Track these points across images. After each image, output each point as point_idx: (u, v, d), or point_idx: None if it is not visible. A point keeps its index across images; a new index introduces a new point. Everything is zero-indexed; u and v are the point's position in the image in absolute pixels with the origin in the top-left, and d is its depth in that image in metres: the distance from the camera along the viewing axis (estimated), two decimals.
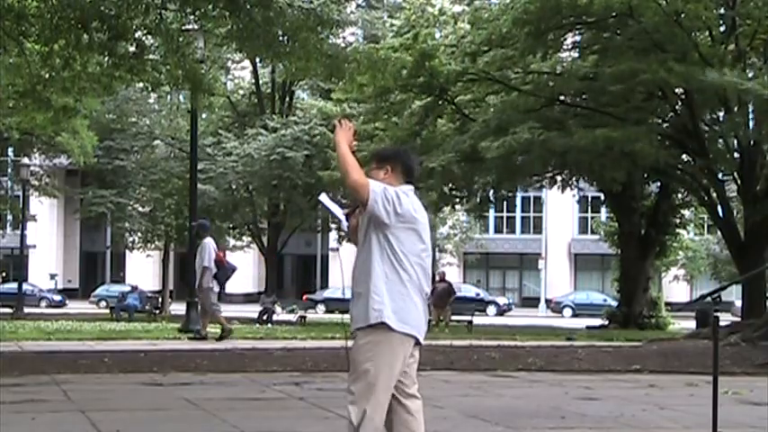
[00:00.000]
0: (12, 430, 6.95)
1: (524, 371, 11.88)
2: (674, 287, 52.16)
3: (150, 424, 7.48)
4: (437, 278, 29.13)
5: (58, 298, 50.58)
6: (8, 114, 21.13)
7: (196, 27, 16.63)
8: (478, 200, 31.99)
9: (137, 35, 14.21)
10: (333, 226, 38.68)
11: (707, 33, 23.37)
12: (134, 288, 35.77)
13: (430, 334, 18.51)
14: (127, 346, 15.45)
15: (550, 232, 57.93)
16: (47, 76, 15.35)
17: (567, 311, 51.36)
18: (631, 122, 23.17)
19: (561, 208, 56.32)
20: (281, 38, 13.96)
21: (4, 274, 51.94)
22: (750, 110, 23.14)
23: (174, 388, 9.68)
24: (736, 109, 22.71)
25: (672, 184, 29.93)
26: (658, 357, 13.72)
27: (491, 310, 49.33)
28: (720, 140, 24.21)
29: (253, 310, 33.51)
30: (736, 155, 23.95)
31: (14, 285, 37.49)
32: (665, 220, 32.35)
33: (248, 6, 13.17)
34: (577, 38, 26.47)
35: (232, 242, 42.15)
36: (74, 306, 45.26)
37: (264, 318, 29.76)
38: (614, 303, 37.27)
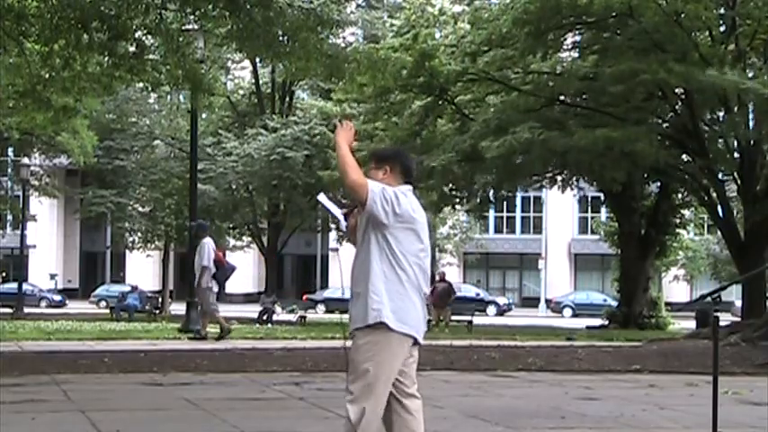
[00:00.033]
0: (12, 430, 6.95)
1: (524, 371, 11.88)
2: (674, 287, 52.16)
3: (150, 424, 7.48)
4: (437, 278, 29.14)
5: (58, 298, 50.57)
6: (8, 114, 21.12)
7: (196, 27, 16.64)
8: (478, 200, 31.99)
9: (137, 35, 14.21)
10: (333, 226, 38.66)
11: (707, 33, 23.37)
12: (134, 288, 35.77)
13: (430, 334, 18.48)
14: (127, 346, 15.45)
15: (550, 232, 57.93)
16: (47, 76, 15.35)
17: (567, 311, 51.35)
18: (631, 122, 23.17)
19: (561, 208, 56.34)
20: (281, 38, 13.96)
21: (4, 274, 51.94)
22: (750, 110, 23.15)
23: (174, 388, 9.68)
24: (736, 109, 22.72)
25: (672, 184, 29.93)
26: (658, 357, 13.71)
27: (491, 310, 49.33)
28: (720, 140, 24.21)
29: (253, 310, 33.50)
30: (736, 155, 23.96)
31: (14, 285, 37.49)
32: (665, 220, 32.34)
33: (248, 6, 13.17)
34: (577, 38, 26.47)
35: (232, 242, 42.16)
36: (74, 306, 45.26)
37: (264, 318, 29.76)
38: (614, 303, 37.27)
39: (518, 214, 60.99)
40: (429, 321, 26.34)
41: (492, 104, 26.62)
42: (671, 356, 13.75)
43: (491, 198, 32.47)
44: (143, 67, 14.74)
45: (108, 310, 35.00)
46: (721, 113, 24.43)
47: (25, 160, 36.72)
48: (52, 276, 55.64)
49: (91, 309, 41.80)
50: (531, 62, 24.77)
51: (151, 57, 14.90)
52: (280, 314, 32.96)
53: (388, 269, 4.69)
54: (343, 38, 26.43)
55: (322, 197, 5.11)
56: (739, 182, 24.17)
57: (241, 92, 43.48)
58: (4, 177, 44.70)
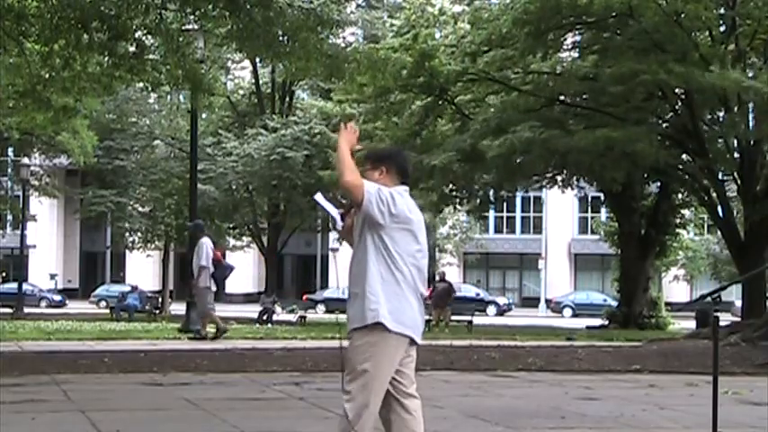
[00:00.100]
0: (12, 430, 6.95)
1: (524, 371, 11.87)
2: (674, 287, 52.15)
3: (150, 424, 7.48)
4: (437, 278, 29.15)
5: (58, 298, 50.57)
6: (8, 114, 21.13)
7: (196, 27, 16.64)
8: (478, 201, 32.01)
9: (137, 35, 14.21)
10: (331, 225, 38.65)
11: (707, 33, 23.38)
12: (134, 288, 35.79)
13: (430, 334, 18.42)
14: (127, 346, 15.45)
15: (550, 232, 57.92)
16: (47, 76, 15.35)
17: (567, 311, 51.34)
18: (631, 122, 23.17)
19: (561, 208, 56.34)
20: (281, 38, 13.96)
21: (4, 274, 51.94)
22: (750, 109, 23.16)
23: (174, 388, 9.67)
24: (736, 109, 22.72)
25: (672, 184, 29.93)
26: (658, 357, 13.71)
27: (491, 310, 49.33)
28: (720, 140, 24.22)
29: (253, 310, 33.51)
30: (736, 155, 23.97)
31: (14, 285, 37.49)
32: (665, 220, 32.34)
33: (248, 6, 13.17)
34: (577, 38, 26.47)
35: (232, 242, 42.17)
36: (74, 306, 45.25)
37: (264, 318, 29.77)
38: (614, 303, 37.27)
39: (518, 214, 60.98)
40: (429, 321, 26.51)
41: (492, 104, 26.63)
42: (671, 356, 13.75)
43: (491, 198, 32.48)
44: (143, 67, 14.75)
45: (108, 310, 35.02)
46: (721, 113, 24.44)
47: (25, 160, 36.74)
48: (52, 276, 55.64)
49: (91, 309, 41.80)
50: (531, 62, 24.78)
51: (151, 57, 14.91)
52: (280, 314, 32.97)
53: (385, 270, 4.70)
54: (343, 38, 26.44)
55: (319, 197, 5.12)
56: (739, 182, 24.18)
57: (241, 92, 43.48)
58: (4, 177, 44.72)
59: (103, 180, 39.81)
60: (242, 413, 7.94)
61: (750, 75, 22.41)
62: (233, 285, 52.27)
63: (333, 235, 45.26)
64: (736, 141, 23.85)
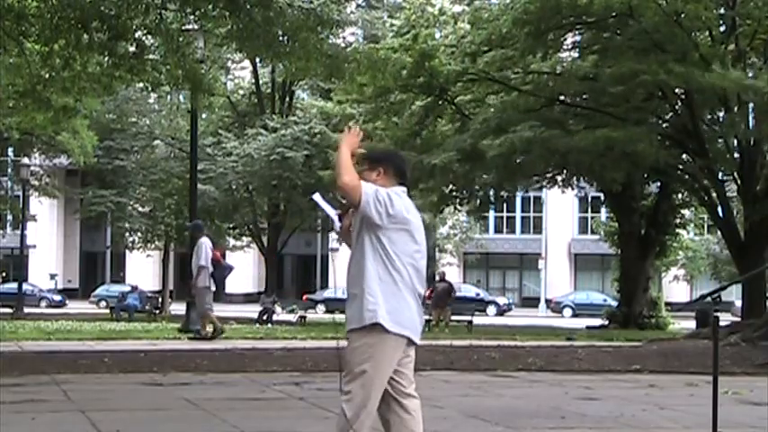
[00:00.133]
0: (12, 430, 6.95)
1: (524, 371, 11.87)
2: (674, 287, 52.14)
3: (150, 424, 7.48)
4: (437, 278, 29.14)
5: (58, 298, 50.56)
6: (8, 114, 21.13)
7: (196, 27, 16.64)
8: (478, 201, 32.02)
9: (137, 35, 14.21)
10: (330, 226, 38.66)
11: (707, 33, 23.38)
12: (134, 288, 35.79)
13: (430, 334, 18.44)
14: (127, 346, 15.45)
15: (550, 232, 57.93)
16: (47, 76, 15.35)
17: (567, 311, 51.34)
18: (631, 123, 23.17)
19: (561, 208, 56.34)
20: (281, 38, 13.96)
21: (4, 274, 51.93)
22: (750, 109, 23.16)
23: (174, 388, 9.67)
24: (736, 109, 22.72)
25: (672, 184, 29.93)
26: (658, 357, 13.71)
27: (491, 310, 49.32)
28: (720, 140, 24.21)
29: (253, 310, 33.51)
30: (736, 155, 23.97)
31: (14, 285, 37.49)
32: (665, 220, 32.34)
33: (248, 6, 13.17)
34: (577, 38, 26.47)
35: (232, 242, 42.17)
36: (74, 306, 45.24)
37: (264, 318, 29.77)
38: (614, 303, 37.26)
39: (518, 214, 60.98)
40: (429, 321, 26.49)
41: (492, 104, 26.63)
42: (671, 356, 13.74)
43: (491, 198, 32.48)
44: (143, 67, 14.75)
45: (108, 310, 35.02)
46: (721, 113, 24.44)
47: (25, 160, 36.74)
48: (52, 276, 55.63)
49: (91, 309, 41.79)
50: (531, 62, 24.78)
51: (151, 57, 14.91)
52: (280, 314, 32.97)
53: (383, 270, 4.71)
54: (343, 38, 26.44)
55: (317, 197, 5.12)
56: (739, 182, 24.18)
57: (241, 92, 43.48)
58: (4, 177, 44.72)
59: (103, 180, 39.82)
60: (242, 413, 7.94)
61: (750, 75, 22.41)
62: (233, 285, 52.29)
63: (333, 235, 45.23)
64: (736, 141, 23.85)
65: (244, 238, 41.71)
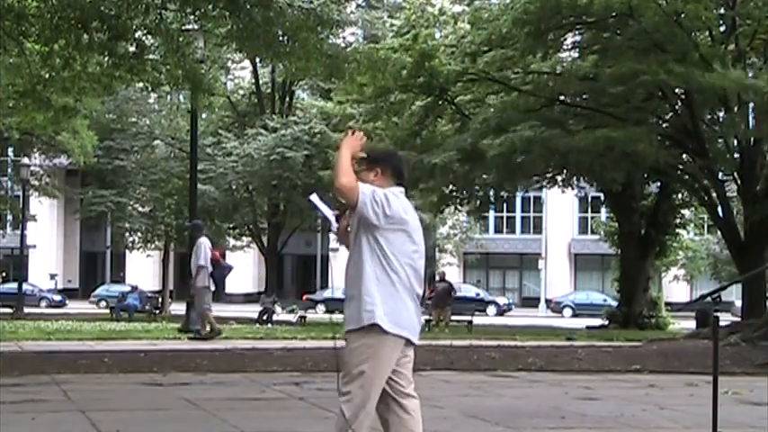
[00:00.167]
0: (12, 430, 6.95)
1: (524, 371, 11.87)
2: (674, 287, 52.15)
3: (150, 424, 7.48)
4: (437, 278, 29.14)
5: (58, 298, 50.57)
6: (8, 114, 21.13)
7: (196, 27, 16.64)
8: (478, 202, 32.01)
9: (137, 35, 14.21)
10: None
11: (707, 33, 23.38)
12: (134, 288, 35.80)
13: (430, 334, 18.44)
14: (127, 346, 15.45)
15: (550, 232, 57.93)
16: (47, 76, 15.35)
17: (567, 311, 51.35)
18: (631, 123, 23.18)
19: (561, 208, 56.34)
20: (281, 38, 13.96)
21: (4, 274, 51.94)
22: (750, 109, 23.16)
23: (174, 388, 9.67)
24: (736, 109, 22.72)
25: (672, 184, 29.94)
26: (658, 357, 13.71)
27: (491, 310, 49.32)
28: (720, 140, 24.22)
29: (253, 310, 33.51)
30: (736, 155, 23.97)
31: (14, 285, 37.50)
32: (665, 220, 32.35)
33: (248, 6, 13.17)
34: (577, 38, 26.47)
35: (232, 242, 42.17)
36: (74, 306, 45.25)
37: (264, 318, 29.77)
38: (614, 303, 37.26)
39: (518, 214, 60.98)
40: (429, 321, 26.46)
41: (492, 105, 26.63)
42: (671, 356, 13.74)
43: (491, 198, 32.48)
44: (143, 67, 14.75)
45: (108, 310, 35.03)
46: (721, 113, 24.44)
47: (25, 160, 36.75)
48: (52, 276, 55.63)
49: (91, 309, 41.79)
50: (531, 62, 24.78)
51: (151, 57, 14.91)
52: (280, 314, 32.97)
53: (380, 271, 4.71)
54: (343, 38, 26.43)
55: (314, 197, 5.12)
56: (739, 182, 24.18)
57: (241, 92, 43.48)
58: (4, 177, 44.72)
59: (103, 180, 39.83)
60: (242, 413, 7.94)
61: (750, 75, 22.41)
62: (233, 285, 52.32)
63: (333, 235, 45.23)
64: (736, 141, 23.85)
65: (244, 238, 41.72)
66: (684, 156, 25.87)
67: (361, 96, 28.39)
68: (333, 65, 14.55)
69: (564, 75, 25.03)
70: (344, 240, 4.95)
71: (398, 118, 28.64)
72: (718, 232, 31.15)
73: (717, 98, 22.56)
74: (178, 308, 31.03)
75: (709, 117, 25.05)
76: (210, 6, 13.23)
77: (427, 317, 26.97)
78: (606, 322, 32.09)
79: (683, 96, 24.11)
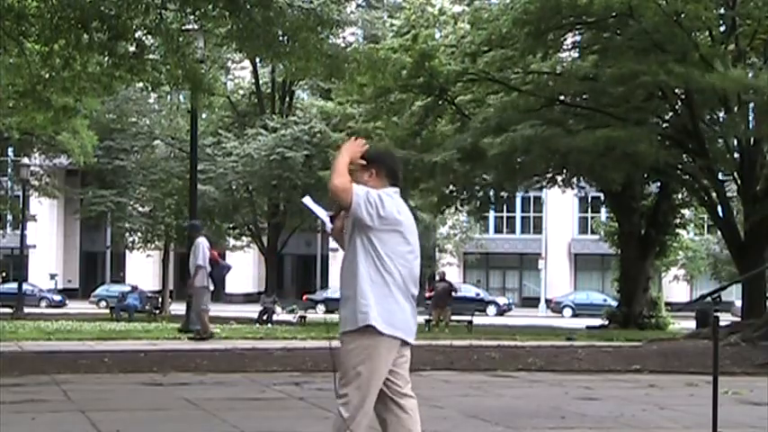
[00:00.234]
0: (12, 430, 6.95)
1: (524, 371, 11.87)
2: (674, 287, 52.15)
3: (150, 424, 7.48)
4: (437, 278, 29.14)
5: (58, 298, 50.58)
6: (8, 114, 21.13)
7: (196, 27, 16.64)
8: (479, 202, 32.01)
9: (137, 35, 14.22)
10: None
11: (707, 33, 23.37)
12: (134, 288, 35.80)
13: (430, 334, 18.43)
14: (127, 346, 15.45)
15: (550, 232, 57.92)
16: (47, 76, 15.35)
17: (567, 311, 51.35)
18: (632, 123, 23.18)
19: (561, 208, 56.34)
20: (281, 38, 13.96)
21: (4, 274, 51.94)
22: (750, 109, 23.16)
23: (174, 388, 9.68)
24: (736, 109, 22.72)
25: (672, 184, 29.93)
26: (658, 357, 13.71)
27: (491, 310, 49.33)
28: (720, 140, 24.22)
29: (253, 310, 33.50)
30: (736, 155, 23.97)
31: (14, 285, 37.50)
32: (665, 220, 32.34)
33: (248, 6, 13.18)
34: (577, 38, 26.47)
35: (232, 242, 42.17)
36: (74, 306, 45.25)
37: (264, 318, 29.76)
38: (614, 303, 37.26)
39: (518, 214, 60.98)
40: (429, 321, 26.44)
41: (492, 105, 26.63)
42: (671, 356, 13.74)
43: (491, 198, 32.48)
44: (143, 67, 14.75)
45: (108, 310, 35.02)
46: (721, 113, 24.44)
47: (25, 160, 36.75)
48: (52, 276, 55.64)
49: (91, 309, 41.80)
50: (531, 62, 24.78)
51: (151, 57, 14.91)
52: (280, 314, 32.96)
53: (374, 272, 4.72)
54: (343, 38, 26.46)
55: (307, 200, 5.11)
56: (739, 182, 24.18)
57: (241, 92, 43.48)
58: (4, 177, 44.72)
59: (103, 180, 39.83)
60: (242, 413, 7.94)
61: (750, 75, 22.41)
62: (233, 285, 52.34)
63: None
64: (736, 141, 23.85)
65: (244, 238, 41.72)
66: (684, 156, 25.86)
67: (361, 96, 28.40)
68: (333, 65, 14.55)
69: (564, 75, 25.04)
70: (340, 242, 4.95)
71: (398, 118, 28.65)
72: (719, 232, 31.16)
73: (717, 98, 22.55)
74: (178, 308, 31.03)
75: (709, 117, 25.04)
76: (210, 6, 13.23)
77: (427, 317, 26.98)
78: (606, 322, 32.09)
79: (683, 96, 24.11)
